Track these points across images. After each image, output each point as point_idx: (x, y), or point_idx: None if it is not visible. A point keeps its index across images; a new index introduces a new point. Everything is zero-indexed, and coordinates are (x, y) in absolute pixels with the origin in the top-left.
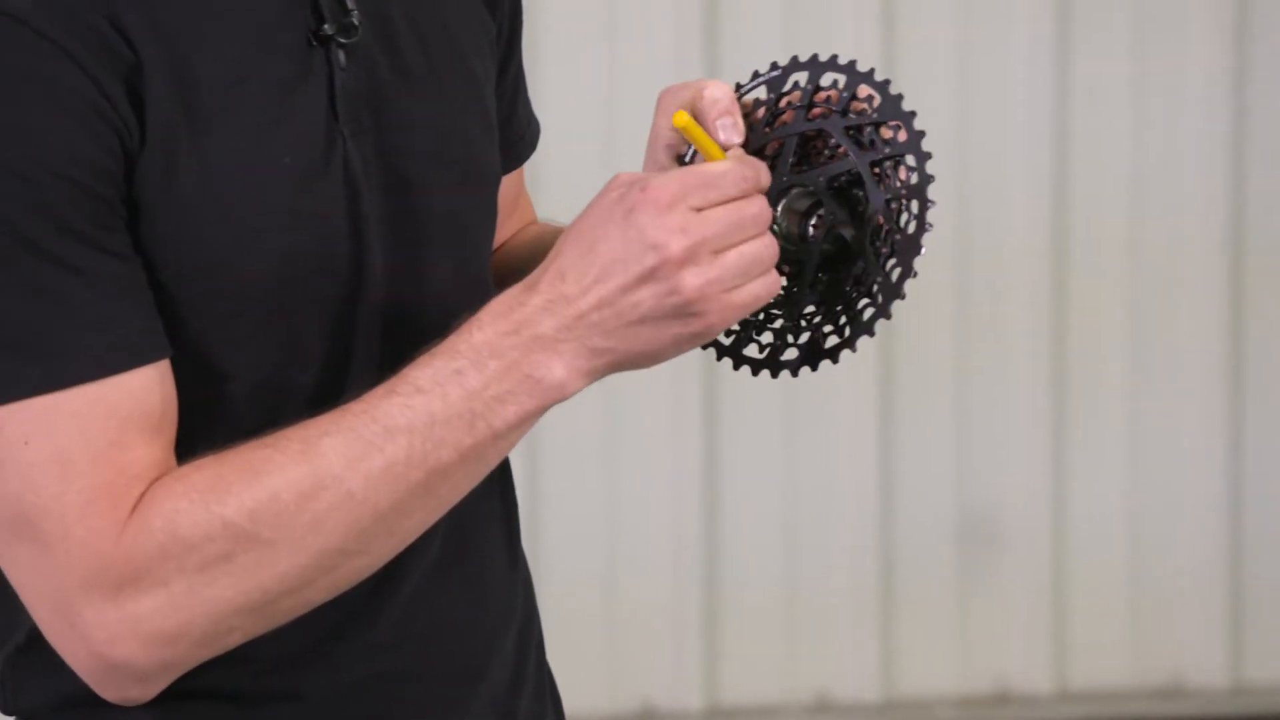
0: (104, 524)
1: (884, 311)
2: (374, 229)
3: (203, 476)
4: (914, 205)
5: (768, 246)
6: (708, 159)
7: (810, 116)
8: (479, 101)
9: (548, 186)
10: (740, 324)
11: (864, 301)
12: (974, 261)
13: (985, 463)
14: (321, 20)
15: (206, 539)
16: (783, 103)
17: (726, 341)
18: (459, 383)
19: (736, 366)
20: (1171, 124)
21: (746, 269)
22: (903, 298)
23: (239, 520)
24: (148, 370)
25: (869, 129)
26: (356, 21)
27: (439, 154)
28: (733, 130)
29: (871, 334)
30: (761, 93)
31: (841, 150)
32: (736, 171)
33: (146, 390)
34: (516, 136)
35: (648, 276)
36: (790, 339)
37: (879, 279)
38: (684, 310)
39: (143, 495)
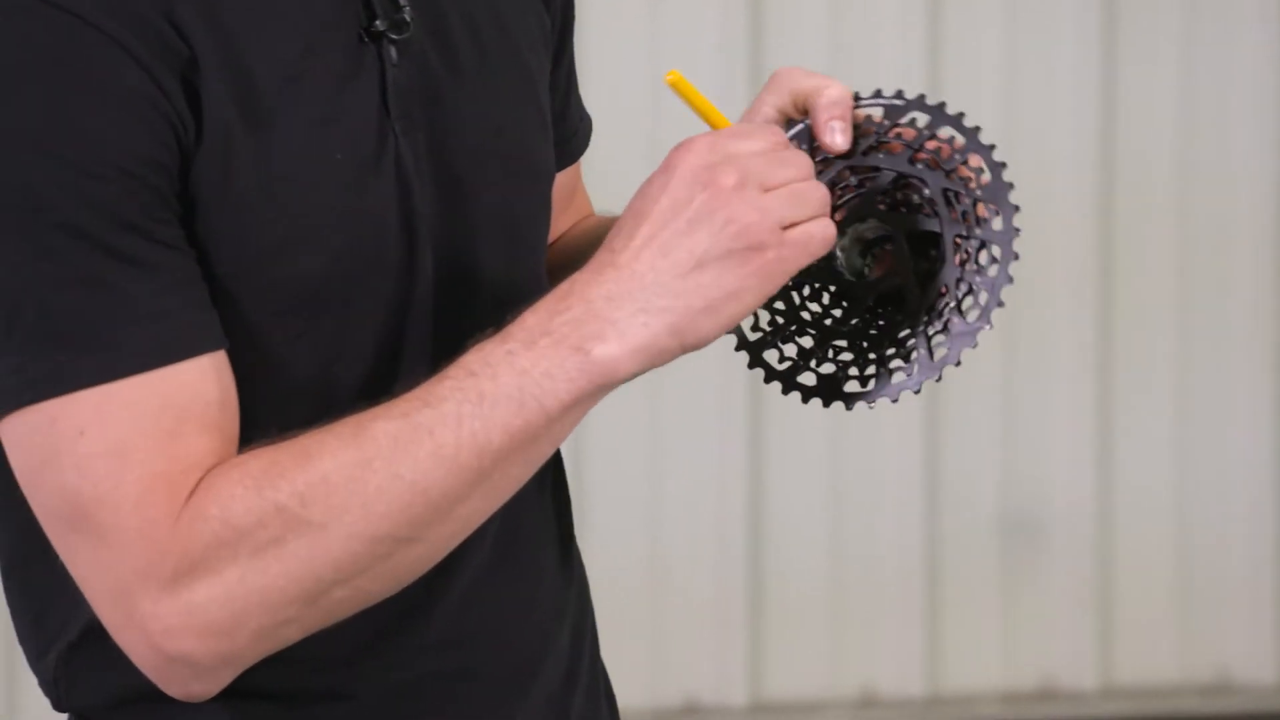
0: (160, 514)
1: (914, 384)
2: (425, 225)
3: (258, 463)
4: (983, 296)
5: (817, 188)
6: (709, 124)
7: (914, 158)
8: (533, 97)
9: (586, 181)
10: (771, 326)
11: (896, 363)
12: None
13: (1030, 457)
14: (373, 16)
15: (259, 524)
16: (891, 133)
17: (752, 337)
18: (510, 363)
19: (752, 366)
20: (1219, 123)
21: (798, 204)
22: (937, 380)
23: (290, 504)
24: (203, 361)
25: (966, 199)
26: (408, 17)
27: (491, 150)
28: (840, 136)
29: (894, 400)
30: (876, 113)
31: (926, 210)
32: (767, 128)
33: (202, 381)
34: (570, 132)
35: (701, 213)
36: (813, 364)
37: (921, 350)
38: (743, 240)
39: (198, 484)
